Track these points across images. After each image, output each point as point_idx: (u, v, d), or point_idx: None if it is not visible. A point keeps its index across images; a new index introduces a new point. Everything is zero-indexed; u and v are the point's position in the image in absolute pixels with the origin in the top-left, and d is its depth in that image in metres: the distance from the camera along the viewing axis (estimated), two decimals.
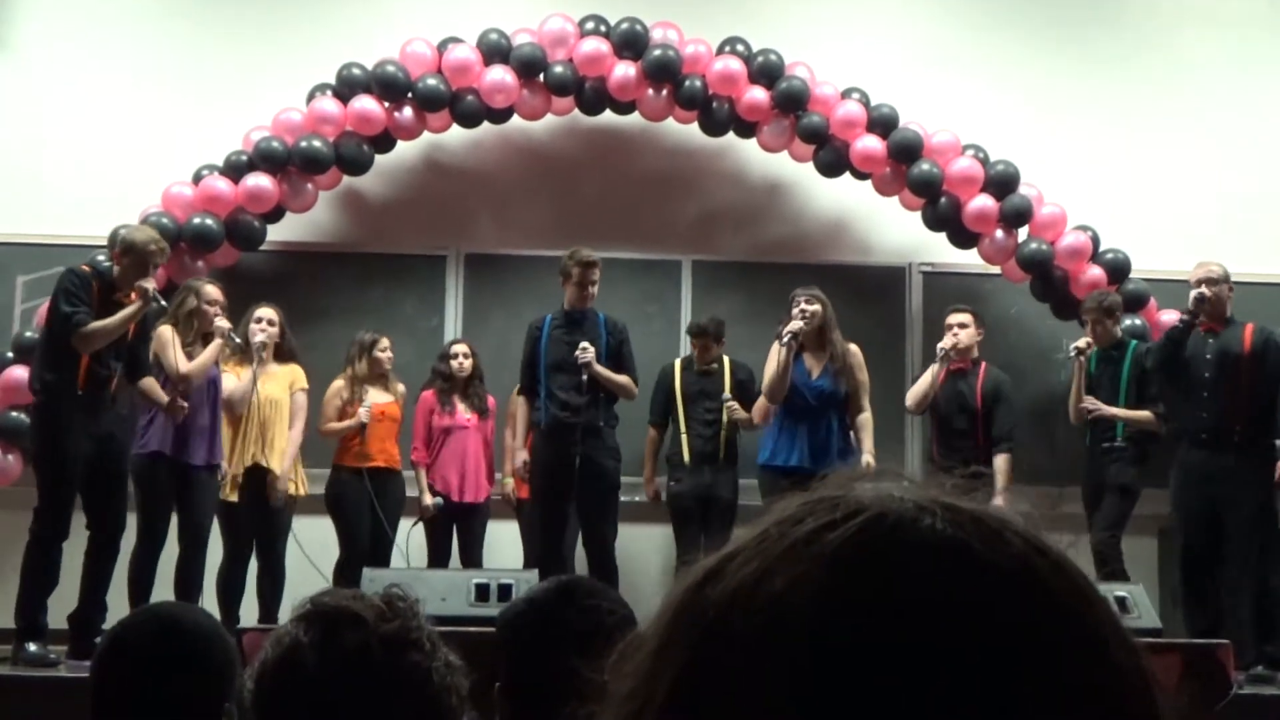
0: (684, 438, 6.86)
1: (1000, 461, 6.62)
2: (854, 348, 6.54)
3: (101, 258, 6.22)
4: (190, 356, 6.12)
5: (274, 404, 6.57)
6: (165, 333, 6.15)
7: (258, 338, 6.47)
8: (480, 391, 7.06)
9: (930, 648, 0.55)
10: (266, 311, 6.61)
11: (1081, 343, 6.74)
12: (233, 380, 6.49)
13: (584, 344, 6.32)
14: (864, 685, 0.55)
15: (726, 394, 6.81)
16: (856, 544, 0.59)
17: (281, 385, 6.64)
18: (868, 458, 6.35)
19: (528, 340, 6.52)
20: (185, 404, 6.01)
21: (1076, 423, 6.77)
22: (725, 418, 6.81)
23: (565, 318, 6.50)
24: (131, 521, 6.03)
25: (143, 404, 6.12)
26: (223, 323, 6.22)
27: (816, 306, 6.45)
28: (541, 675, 2.04)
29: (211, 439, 6.24)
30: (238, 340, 6.33)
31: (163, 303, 6.11)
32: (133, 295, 5.83)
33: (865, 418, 6.51)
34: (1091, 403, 6.64)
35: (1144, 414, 6.65)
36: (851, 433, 6.57)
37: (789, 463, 6.37)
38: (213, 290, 6.34)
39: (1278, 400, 6.35)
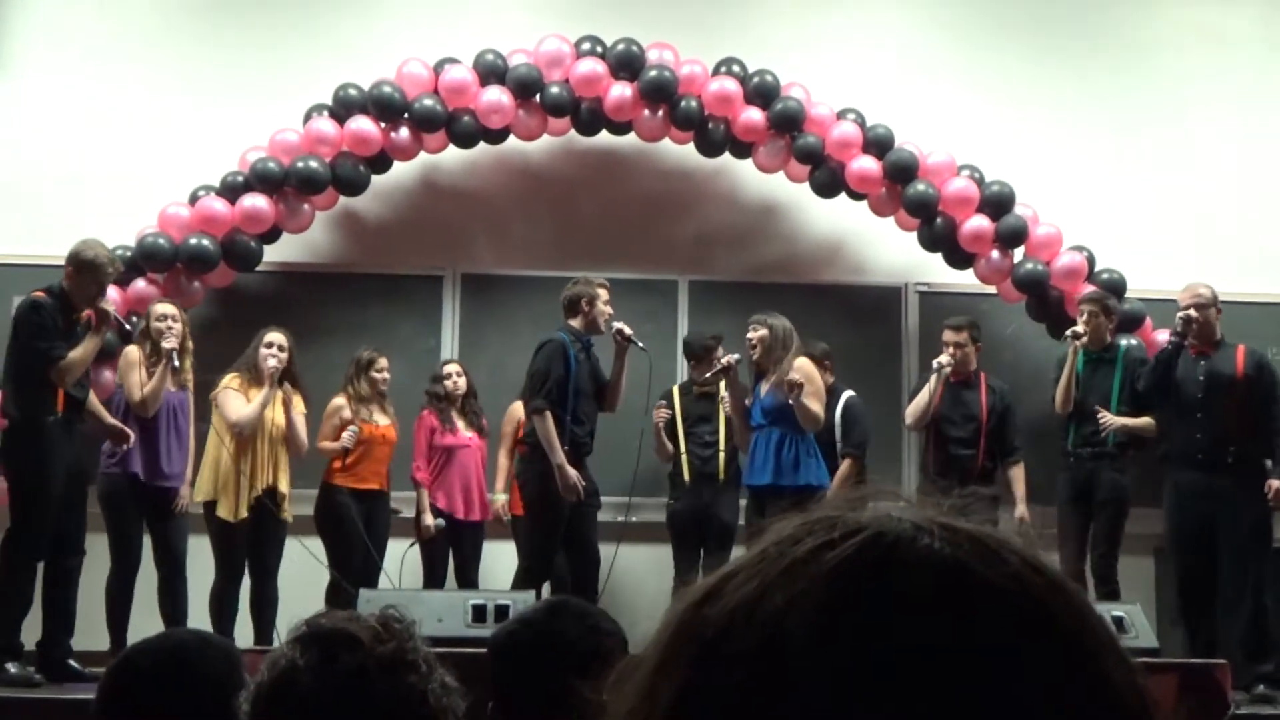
0: (684, 459, 6.86)
1: (1017, 472, 6.77)
2: (799, 361, 6.35)
3: (52, 283, 5.98)
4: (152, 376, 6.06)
5: (282, 429, 6.46)
6: (131, 353, 6.10)
7: (269, 363, 6.32)
8: (477, 409, 7.05)
9: (928, 667, 0.55)
10: (278, 336, 6.44)
11: (1080, 327, 6.73)
12: (241, 402, 6.32)
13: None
14: (861, 704, 0.55)
15: (722, 392, 6.76)
16: (855, 563, 0.59)
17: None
18: (833, 483, 6.35)
19: (558, 357, 6.32)
20: (130, 435, 5.95)
21: (1061, 411, 6.76)
22: (723, 436, 6.80)
23: (582, 342, 6.49)
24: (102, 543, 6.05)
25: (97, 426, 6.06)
26: (168, 342, 6.06)
27: (762, 332, 6.42)
28: (535, 694, 2.04)
29: (181, 462, 6.22)
30: (175, 365, 6.11)
31: (126, 325, 6.10)
32: (89, 314, 5.80)
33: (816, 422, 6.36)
34: (1106, 417, 6.58)
35: (1146, 420, 6.64)
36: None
37: (758, 481, 6.34)
38: (163, 306, 6.26)
39: (1272, 422, 6.37)
